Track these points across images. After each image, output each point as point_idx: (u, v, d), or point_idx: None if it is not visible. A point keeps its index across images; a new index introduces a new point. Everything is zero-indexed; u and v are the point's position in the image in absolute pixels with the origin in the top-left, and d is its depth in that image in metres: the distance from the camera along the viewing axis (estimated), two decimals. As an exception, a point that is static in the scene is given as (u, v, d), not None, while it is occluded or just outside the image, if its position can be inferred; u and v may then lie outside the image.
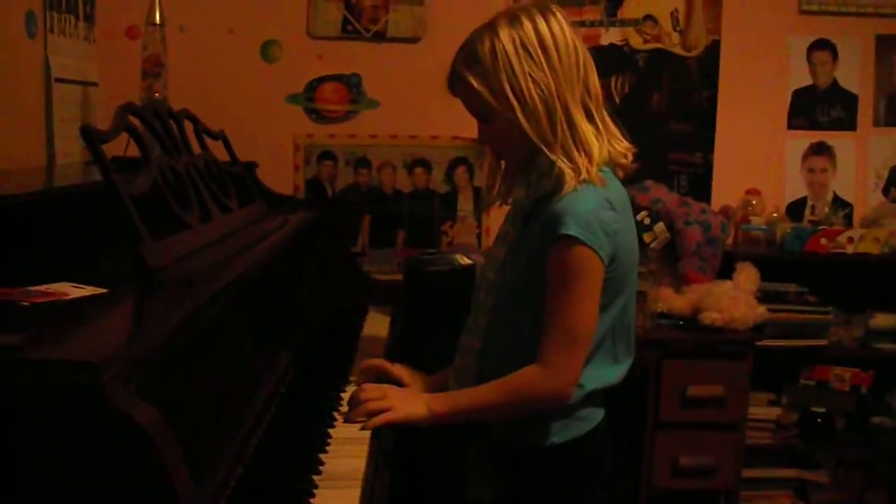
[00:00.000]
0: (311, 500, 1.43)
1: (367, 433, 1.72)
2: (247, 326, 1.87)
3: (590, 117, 1.71)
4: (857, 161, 3.57)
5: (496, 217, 3.42)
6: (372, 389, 1.80)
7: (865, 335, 3.38)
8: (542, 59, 1.67)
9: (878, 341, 3.37)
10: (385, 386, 1.86)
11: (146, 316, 1.27)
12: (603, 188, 1.68)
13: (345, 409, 1.84)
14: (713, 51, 3.44)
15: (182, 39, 3.11)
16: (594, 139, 1.69)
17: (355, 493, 1.48)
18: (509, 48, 1.68)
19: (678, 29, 3.41)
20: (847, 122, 3.55)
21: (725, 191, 3.49)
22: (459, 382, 1.86)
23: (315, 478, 1.51)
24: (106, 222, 1.71)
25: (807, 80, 3.51)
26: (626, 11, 3.40)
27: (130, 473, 0.98)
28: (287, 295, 2.33)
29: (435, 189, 3.44)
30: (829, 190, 3.56)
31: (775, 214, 3.45)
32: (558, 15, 1.73)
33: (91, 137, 1.52)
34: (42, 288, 1.42)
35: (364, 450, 1.66)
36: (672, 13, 3.40)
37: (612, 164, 1.74)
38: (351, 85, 3.35)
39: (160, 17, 2.62)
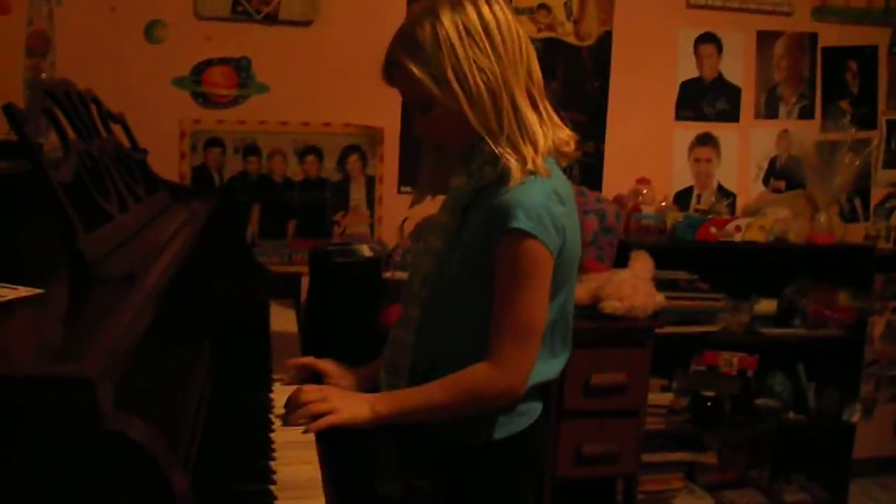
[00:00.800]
0: (275, 515, 1.33)
1: (311, 437, 1.63)
2: (174, 325, 1.74)
3: (534, 105, 1.67)
4: (739, 152, 3.68)
5: (389, 206, 3.37)
6: (312, 391, 1.71)
7: (751, 320, 3.49)
8: (487, 45, 1.61)
9: (762, 326, 3.49)
10: (325, 387, 1.77)
11: (103, 319, 1.14)
12: (549, 180, 1.64)
13: (279, 411, 1.74)
14: (605, 41, 3.47)
15: (59, 15, 2.89)
16: (539, 129, 1.65)
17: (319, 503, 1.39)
18: (452, 34, 1.60)
19: (571, 19, 3.42)
20: (731, 114, 3.65)
21: (616, 180, 3.53)
22: (391, 377, 1.79)
23: (272, 488, 1.41)
24: (20, 213, 1.56)
25: (693, 73, 3.60)
26: (521, 0, 3.38)
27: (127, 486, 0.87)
28: (201, 290, 2.19)
29: (327, 178, 3.33)
30: (714, 179, 3.66)
31: (664, 203, 3.52)
32: (500, 0, 1.68)
33: (15, 117, 1.36)
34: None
35: (313, 455, 1.56)
36: (566, 3, 3.40)
37: (555, 153, 1.71)
38: (240, 69, 3.20)
39: (50, -10, 2.41)
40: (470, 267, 1.67)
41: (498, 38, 1.62)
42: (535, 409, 1.78)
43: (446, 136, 1.71)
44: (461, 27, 1.61)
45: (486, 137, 1.61)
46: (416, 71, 1.62)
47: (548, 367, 1.74)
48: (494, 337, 1.62)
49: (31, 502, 0.87)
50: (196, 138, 3.19)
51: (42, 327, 1.09)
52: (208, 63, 3.16)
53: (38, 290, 1.27)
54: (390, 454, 2.94)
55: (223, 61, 3.18)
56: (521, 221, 1.57)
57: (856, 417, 3.58)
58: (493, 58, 1.61)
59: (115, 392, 0.94)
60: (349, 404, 1.67)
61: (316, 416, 1.65)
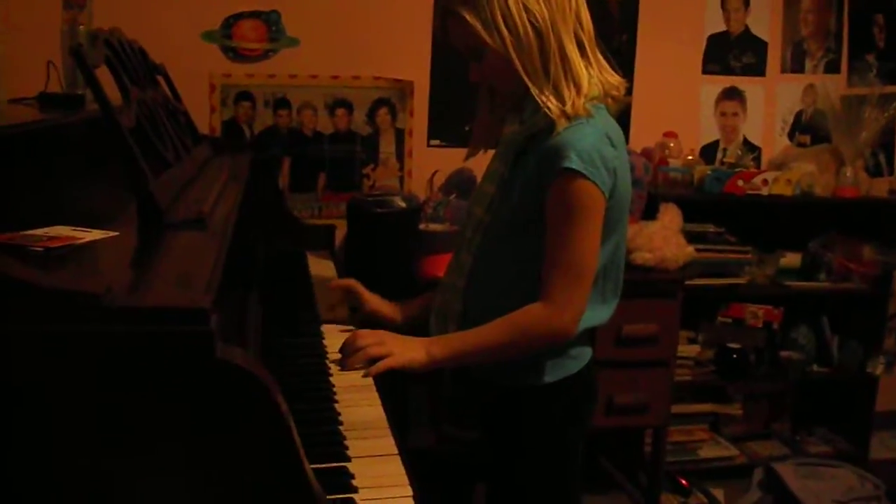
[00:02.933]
0: (349, 454, 1.36)
1: (370, 380, 1.66)
2: (234, 272, 1.76)
3: (582, 51, 1.69)
4: (765, 106, 3.69)
5: (418, 160, 3.39)
6: (367, 335, 1.74)
7: (776, 273, 3.51)
8: None
9: (787, 279, 3.52)
10: (379, 332, 1.80)
11: (189, 259, 1.16)
12: (599, 122, 1.66)
13: (333, 356, 1.78)
14: (633, -4, 3.47)
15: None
16: (585, 72, 1.67)
17: (389, 442, 1.43)
18: None
19: (600, -28, 3.41)
20: (757, 68, 3.65)
21: (644, 133, 3.54)
22: (442, 322, 1.82)
23: (340, 429, 1.45)
24: (87, 159, 1.58)
25: (721, 27, 3.59)
26: (550, -48, 3.36)
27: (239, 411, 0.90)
28: (246, 238, 2.22)
29: (356, 131, 3.34)
30: (740, 133, 3.67)
31: (690, 157, 3.53)
32: None
33: (84, 62, 1.38)
34: (40, 232, 1.29)
35: (375, 397, 1.60)
36: (595, -45, 3.38)
37: (605, 98, 1.72)
38: (270, 22, 3.20)
39: (86, -59, 2.41)
40: (522, 210, 1.69)
41: None
42: (586, 353, 1.81)
43: (499, 84, 1.74)
44: None
45: (530, 83, 1.63)
46: (467, 17, 1.64)
47: (598, 313, 1.76)
48: (547, 277, 1.65)
49: (146, 431, 0.90)
50: (226, 92, 3.20)
51: (131, 266, 1.11)
52: (238, 16, 3.16)
53: (112, 233, 1.30)
54: (421, 405, 3.00)
55: (253, 14, 3.18)
56: (574, 162, 1.59)
57: (879, 370, 3.62)
58: (541, 1, 1.63)
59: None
60: (405, 348, 1.70)
61: (372, 360, 1.69)
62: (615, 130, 1.71)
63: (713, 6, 3.57)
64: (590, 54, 1.70)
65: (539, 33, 1.63)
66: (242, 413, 0.91)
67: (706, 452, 3.53)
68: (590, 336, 1.83)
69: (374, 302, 1.96)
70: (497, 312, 1.68)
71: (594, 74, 1.69)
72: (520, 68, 1.63)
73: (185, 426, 0.89)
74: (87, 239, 1.27)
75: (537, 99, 1.63)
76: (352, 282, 1.98)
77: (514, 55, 1.63)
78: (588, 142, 1.61)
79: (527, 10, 1.62)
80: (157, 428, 0.89)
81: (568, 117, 1.63)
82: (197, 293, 0.93)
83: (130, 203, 1.37)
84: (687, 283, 3.13)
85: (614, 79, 1.73)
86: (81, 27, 2.42)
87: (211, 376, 0.88)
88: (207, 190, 1.74)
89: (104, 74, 1.56)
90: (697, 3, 3.55)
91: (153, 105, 1.78)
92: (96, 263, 1.09)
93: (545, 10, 1.63)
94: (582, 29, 1.69)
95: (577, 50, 1.67)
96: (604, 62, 1.74)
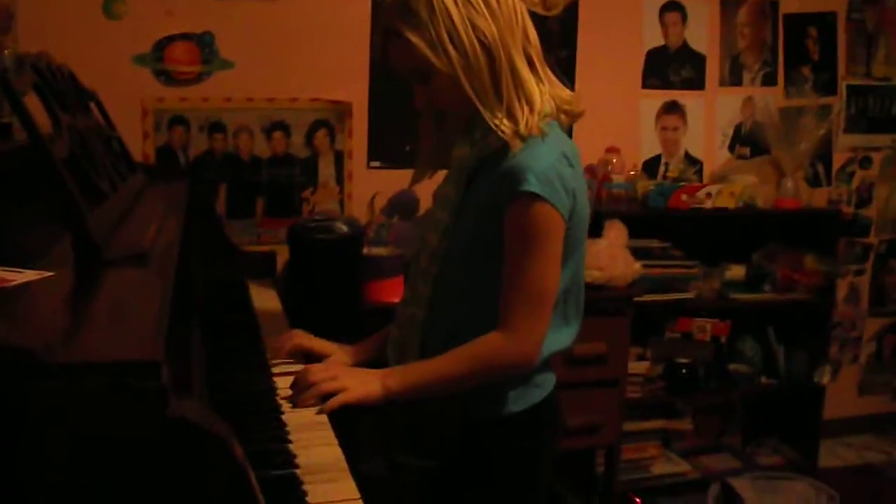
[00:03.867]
0: (308, 501, 1.28)
1: (324, 417, 1.58)
2: (175, 309, 1.67)
3: (531, 66, 1.64)
4: (705, 119, 3.69)
5: (358, 182, 3.31)
6: (319, 370, 1.66)
7: (722, 286, 3.51)
8: (482, 5, 1.58)
9: (732, 292, 3.52)
10: (332, 365, 1.73)
11: (130, 301, 1.08)
12: (555, 142, 1.62)
13: (284, 393, 1.69)
14: (571, 10, 3.44)
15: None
16: (536, 88, 1.62)
17: (349, 485, 1.34)
18: None
19: (538, -12, 3.37)
20: (696, 82, 3.66)
21: (586, 150, 3.45)
22: (401, 355, 1.76)
23: (296, 472, 1.36)
24: (16, 192, 1.48)
25: (659, 41, 3.59)
26: (487, -31, 3.33)
27: (197, 477, 0.82)
28: (186, 271, 2.12)
29: (294, 154, 3.26)
30: (681, 147, 3.67)
31: (633, 172, 3.51)
32: None
33: (10, 88, 1.28)
34: (-44, 274, 1.19)
35: (331, 435, 1.52)
36: (532, -28, 3.36)
37: (557, 114, 1.68)
38: (203, 44, 3.10)
39: (9, -39, 2.29)
40: (479, 236, 1.64)
41: None
42: (550, 379, 1.76)
43: (448, 106, 1.67)
44: None
45: (480, 106, 1.58)
46: (411, 37, 1.58)
47: (561, 337, 1.71)
48: (506, 305, 1.59)
49: (92, 497, 0.82)
50: (159, 117, 3.09)
51: (69, 312, 1.02)
52: (170, 39, 3.06)
53: (47, 273, 1.20)
54: (373, 432, 2.91)
55: (185, 37, 3.08)
56: (532, 184, 1.53)
57: (825, 379, 3.63)
58: (489, 18, 1.57)
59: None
60: (360, 382, 1.63)
61: (326, 396, 1.61)
62: (571, 148, 1.66)
63: (651, 21, 3.57)
64: (539, 70, 1.66)
65: (488, 51, 1.57)
66: (198, 471, 0.83)
67: (659, 469, 3.51)
68: (552, 361, 1.78)
69: (326, 349, 1.87)
70: (457, 343, 1.62)
71: (545, 90, 1.64)
72: (469, 90, 1.57)
73: (134, 488, 0.81)
74: (18, 281, 1.18)
75: (489, 122, 1.58)
76: (299, 340, 1.89)
77: (462, 76, 1.56)
78: (545, 162, 1.56)
79: (474, 27, 1.56)
80: (104, 493, 0.81)
81: (522, 138, 1.57)
82: (144, 343, 0.84)
83: (64, 238, 1.28)
84: (635, 299, 3.10)
85: (565, 93, 1.69)
86: (7, 52, 2.32)
87: (163, 435, 0.80)
88: (146, 222, 1.64)
89: (33, 102, 1.47)
90: (635, 17, 3.55)
91: (86, 133, 1.68)
92: (30, 310, 0.99)
93: (493, 27, 1.58)
94: (530, 44, 1.64)
95: (527, 66, 1.62)
96: (553, 77, 1.69)
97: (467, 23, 1.56)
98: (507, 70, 1.58)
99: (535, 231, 1.57)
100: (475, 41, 1.56)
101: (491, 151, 1.62)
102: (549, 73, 1.69)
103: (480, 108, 1.58)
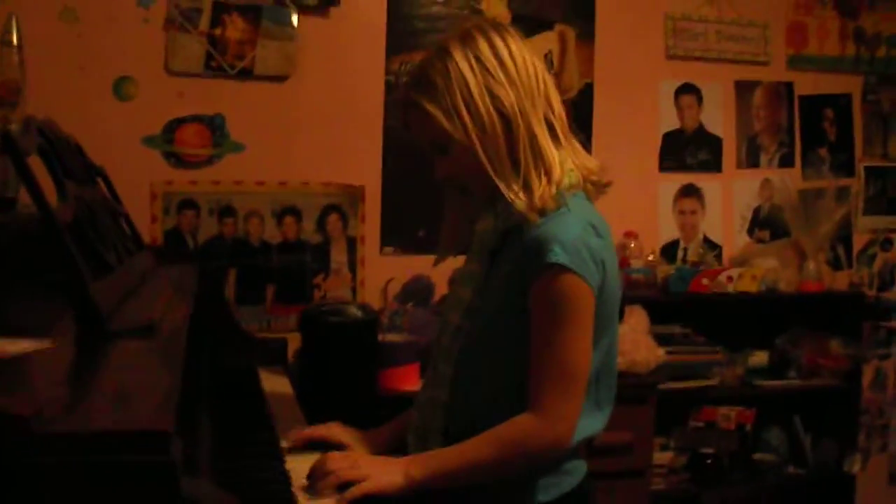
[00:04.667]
0: None
1: (343, 508, 1.47)
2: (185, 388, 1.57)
3: (553, 135, 1.58)
4: (723, 202, 3.63)
5: (371, 268, 3.23)
6: (338, 458, 1.55)
7: (745, 373, 3.40)
8: (501, 74, 1.55)
9: (756, 378, 3.41)
10: (352, 453, 1.62)
11: (135, 372, 0.98)
12: (582, 212, 1.54)
13: (298, 482, 1.58)
14: (587, 94, 3.42)
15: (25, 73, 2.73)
16: (557, 159, 1.55)
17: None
18: (464, 66, 1.54)
19: (552, 71, 3.36)
20: (713, 165, 3.61)
21: (604, 234, 3.44)
22: (423, 442, 1.65)
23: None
24: (18, 264, 1.40)
25: (675, 124, 3.55)
26: (500, 53, 3.31)
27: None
28: (195, 354, 2.02)
29: (306, 239, 3.18)
30: (699, 231, 3.60)
31: (651, 257, 3.44)
32: (512, 31, 1.62)
33: (16, 148, 1.21)
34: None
35: (349, 529, 1.41)
36: (546, 55, 3.34)
37: (584, 184, 1.60)
38: (214, 126, 3.06)
39: (18, 36, 2.24)
40: (504, 313, 1.55)
41: (511, 66, 1.55)
42: (581, 467, 1.65)
43: (468, 178, 1.60)
44: (472, 58, 1.55)
45: (495, 177, 1.52)
46: (428, 107, 1.55)
47: (593, 422, 1.62)
48: (535, 385, 1.50)
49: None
50: (168, 200, 3.03)
51: (70, 382, 0.92)
52: (180, 121, 3.02)
53: (46, 344, 1.11)
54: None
55: (196, 119, 3.04)
56: (558, 255, 1.46)
57: (856, 468, 3.49)
58: (507, 86, 1.54)
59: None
60: (381, 470, 1.52)
61: (345, 485, 1.50)
62: (598, 219, 1.59)
63: (667, 104, 3.53)
64: (562, 139, 1.60)
65: (506, 119, 1.53)
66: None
67: (686, 566, 3.34)
68: (585, 448, 1.67)
69: (340, 437, 1.75)
70: (483, 427, 1.52)
71: (569, 160, 1.58)
72: (484, 160, 1.52)
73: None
74: (14, 351, 1.09)
75: (505, 193, 1.51)
76: (318, 432, 1.78)
77: (478, 145, 1.52)
78: (572, 233, 1.49)
79: (492, 95, 1.53)
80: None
81: (537, 211, 1.50)
82: (153, 414, 0.75)
83: (69, 312, 1.19)
84: (663, 387, 2.99)
85: (591, 163, 1.63)
86: (13, 126, 2.25)
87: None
88: (154, 299, 1.56)
89: (38, 168, 1.40)
90: (651, 101, 3.52)
91: (92, 204, 1.61)
92: (25, 379, 0.90)
93: (511, 95, 1.53)
94: (553, 112, 1.59)
95: (547, 135, 1.56)
96: (579, 147, 1.64)
97: (484, 91, 1.53)
98: (525, 139, 1.53)
99: (564, 304, 1.48)
100: (492, 110, 1.53)
101: (514, 224, 1.54)
102: (575, 142, 1.64)
103: (495, 179, 1.52)
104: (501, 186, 1.52)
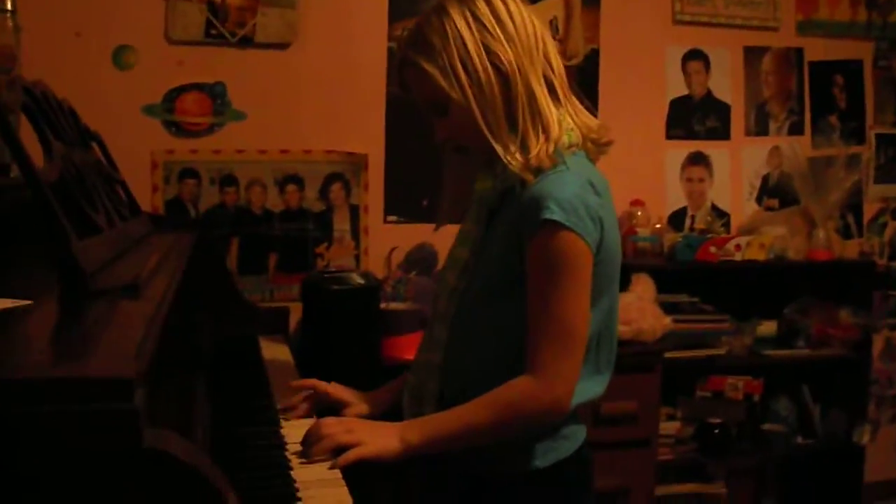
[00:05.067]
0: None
1: (337, 473, 1.45)
2: (173, 352, 1.55)
3: (553, 93, 1.55)
4: (731, 170, 3.58)
5: (375, 237, 3.20)
6: (333, 423, 1.52)
7: (754, 342, 3.36)
8: (499, 30, 1.51)
9: (765, 348, 3.37)
10: (346, 418, 1.60)
11: (114, 327, 0.95)
12: (581, 170, 1.51)
13: (293, 448, 1.56)
14: (592, 60, 3.37)
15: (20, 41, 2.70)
16: (555, 117, 1.52)
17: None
18: (461, 23, 1.51)
19: (557, 37, 3.31)
20: (721, 132, 3.56)
21: (610, 202, 3.40)
22: (417, 404, 1.62)
23: (306, 532, 1.23)
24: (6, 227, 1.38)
25: (682, 90, 3.50)
26: (505, 18, 3.26)
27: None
28: (192, 320, 2.00)
29: (308, 208, 3.15)
30: (707, 199, 3.55)
31: (658, 225, 3.40)
32: None
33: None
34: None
35: (345, 492, 1.38)
36: (551, 21, 3.29)
37: (584, 143, 1.57)
38: (215, 95, 3.02)
39: (12, 2, 2.19)
40: (500, 273, 1.52)
41: (509, 23, 1.52)
42: (580, 432, 1.62)
43: (467, 139, 1.57)
44: (469, 16, 1.52)
45: (491, 137, 1.49)
46: (425, 66, 1.52)
47: (592, 386, 1.58)
48: (532, 345, 1.46)
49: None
50: (169, 169, 3.01)
51: (42, 336, 0.90)
52: (181, 90, 2.99)
53: (25, 301, 1.09)
54: (386, 490, 2.76)
55: (196, 87, 3.00)
56: (554, 212, 1.43)
57: (865, 439, 3.46)
58: (505, 43, 1.51)
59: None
60: (376, 435, 1.49)
61: (340, 450, 1.47)
62: (598, 177, 1.55)
63: (674, 70, 3.48)
64: (562, 97, 1.56)
65: (504, 77, 1.49)
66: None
67: (693, 536, 3.32)
68: (585, 412, 1.64)
69: (340, 394, 1.74)
70: (478, 391, 1.48)
71: (568, 119, 1.54)
72: (480, 120, 1.49)
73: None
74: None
75: (501, 155, 1.48)
76: (312, 381, 1.76)
77: (474, 105, 1.49)
78: (569, 190, 1.45)
79: (489, 52, 1.49)
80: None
81: (533, 170, 1.47)
82: (115, 361, 0.71)
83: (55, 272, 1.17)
84: (669, 355, 2.96)
85: (592, 122, 1.60)
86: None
87: (137, 471, 0.66)
88: (143, 261, 1.53)
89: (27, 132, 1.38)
90: (658, 67, 3.47)
91: (82, 167, 1.58)
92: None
93: (510, 52, 1.50)
94: (552, 71, 1.56)
95: (546, 93, 1.53)
96: (579, 106, 1.60)
97: (481, 48, 1.50)
98: (523, 97, 1.50)
99: (560, 262, 1.45)
100: (489, 67, 1.49)
101: (512, 184, 1.51)
102: (575, 101, 1.60)
103: (491, 140, 1.49)
104: (497, 148, 1.49)
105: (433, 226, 1.79)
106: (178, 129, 3.00)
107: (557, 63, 1.58)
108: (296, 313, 2.85)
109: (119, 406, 0.64)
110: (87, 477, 0.66)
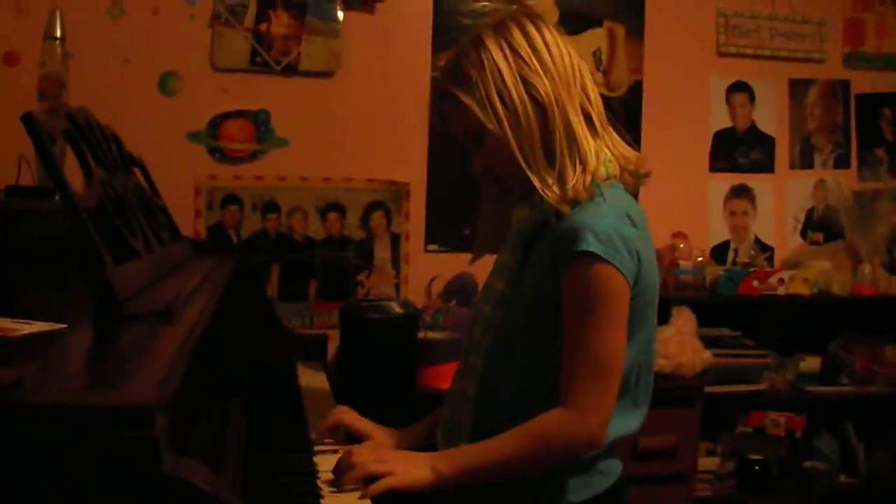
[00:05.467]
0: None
1: (368, 502, 1.44)
2: (207, 377, 1.56)
3: (591, 126, 1.53)
4: (775, 203, 3.55)
5: (415, 265, 3.21)
6: (365, 452, 1.52)
7: (796, 378, 3.31)
8: (535, 62, 1.51)
9: (807, 384, 3.32)
10: (379, 448, 1.59)
11: (143, 354, 0.96)
12: (618, 201, 1.50)
13: (325, 476, 1.55)
14: (636, 92, 3.36)
15: (69, 67, 2.75)
16: (593, 149, 1.51)
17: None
18: (497, 55, 1.51)
19: (601, 68, 3.31)
20: (765, 165, 3.53)
21: (652, 235, 3.37)
22: (451, 436, 1.61)
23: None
24: (49, 250, 1.40)
25: (726, 123, 3.48)
26: (548, 49, 3.27)
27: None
28: (228, 348, 2.02)
29: (350, 236, 3.17)
30: (750, 232, 3.52)
31: (700, 258, 3.37)
32: (546, 20, 1.57)
33: (36, 130, 1.20)
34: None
35: (373, 522, 1.38)
36: (595, 52, 3.30)
37: (622, 175, 1.56)
38: (258, 122, 3.06)
39: (62, 30, 2.25)
40: (536, 304, 1.51)
41: (546, 55, 1.52)
42: (615, 466, 1.59)
43: (504, 169, 1.56)
44: (506, 48, 1.51)
45: (527, 170, 1.48)
46: (462, 98, 1.52)
47: (628, 421, 1.56)
48: (568, 378, 1.45)
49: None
50: (212, 195, 3.04)
51: (71, 361, 0.90)
52: (225, 116, 3.03)
53: (59, 325, 1.10)
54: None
55: (241, 114, 3.04)
56: (591, 244, 1.41)
57: (912, 479, 3.38)
58: (542, 74, 1.50)
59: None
60: (407, 465, 1.48)
61: (371, 480, 1.47)
62: (636, 209, 1.54)
63: (718, 102, 3.46)
64: (599, 128, 1.55)
65: (541, 108, 1.49)
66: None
67: (731, 575, 3.26)
68: (621, 447, 1.62)
69: (369, 430, 1.73)
70: (513, 422, 1.47)
71: (606, 150, 1.54)
72: (517, 151, 1.48)
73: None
74: (24, 331, 1.08)
75: (537, 187, 1.47)
76: (345, 419, 1.76)
77: (511, 136, 1.48)
78: (606, 222, 1.44)
79: (526, 83, 1.49)
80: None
81: (570, 202, 1.46)
82: (139, 389, 0.72)
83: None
84: (709, 390, 2.92)
85: (630, 153, 1.58)
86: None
87: (157, 499, 0.66)
88: (180, 286, 1.55)
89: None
90: (701, 98, 3.45)
91: (123, 192, 1.60)
92: (23, 356, 0.88)
93: (547, 83, 1.49)
94: (590, 103, 1.55)
95: (584, 124, 1.52)
96: (616, 137, 1.59)
97: (518, 80, 1.49)
98: (560, 128, 1.49)
99: (597, 294, 1.43)
100: (526, 98, 1.49)
101: (549, 215, 1.50)
102: (613, 132, 1.59)
103: (528, 172, 1.49)
104: (534, 179, 1.49)
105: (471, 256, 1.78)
106: (222, 155, 3.03)
107: (594, 94, 1.57)
108: (334, 341, 2.86)
109: (139, 433, 0.64)
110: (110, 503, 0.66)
